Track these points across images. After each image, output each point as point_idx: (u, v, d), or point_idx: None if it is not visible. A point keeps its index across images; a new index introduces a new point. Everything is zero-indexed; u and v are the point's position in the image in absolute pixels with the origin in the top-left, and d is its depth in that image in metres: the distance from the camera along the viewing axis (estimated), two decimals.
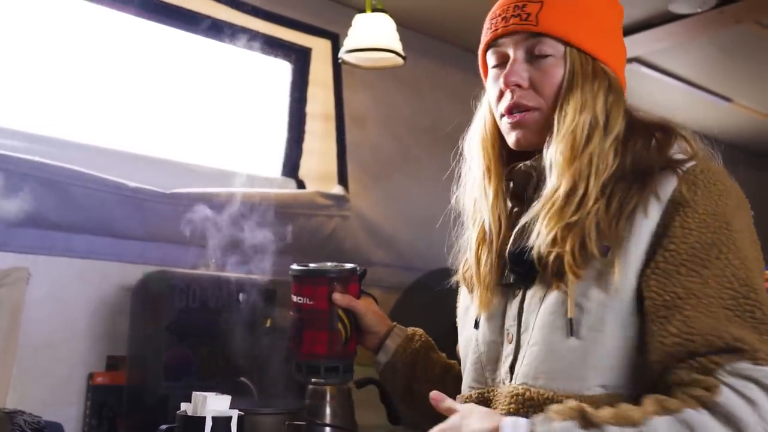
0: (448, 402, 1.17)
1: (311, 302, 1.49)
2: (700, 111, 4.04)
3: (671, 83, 3.59)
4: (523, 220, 1.23)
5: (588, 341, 1.13)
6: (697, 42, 3.20)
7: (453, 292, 1.55)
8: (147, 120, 2.51)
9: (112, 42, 2.44)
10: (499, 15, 1.27)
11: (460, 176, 1.38)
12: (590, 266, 1.14)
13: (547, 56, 1.23)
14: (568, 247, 1.14)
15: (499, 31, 1.26)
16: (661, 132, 1.24)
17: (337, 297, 1.49)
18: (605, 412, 1.04)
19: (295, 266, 1.54)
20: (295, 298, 1.51)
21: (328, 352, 1.50)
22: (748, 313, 1.06)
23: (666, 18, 2.94)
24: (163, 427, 1.35)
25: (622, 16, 1.34)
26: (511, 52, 1.26)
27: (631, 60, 3.32)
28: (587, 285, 1.14)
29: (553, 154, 1.20)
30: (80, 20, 2.40)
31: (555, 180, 1.19)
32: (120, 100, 2.45)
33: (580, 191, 1.16)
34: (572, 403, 1.06)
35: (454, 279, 1.45)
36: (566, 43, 1.23)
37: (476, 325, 1.32)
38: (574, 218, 1.15)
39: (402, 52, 2.42)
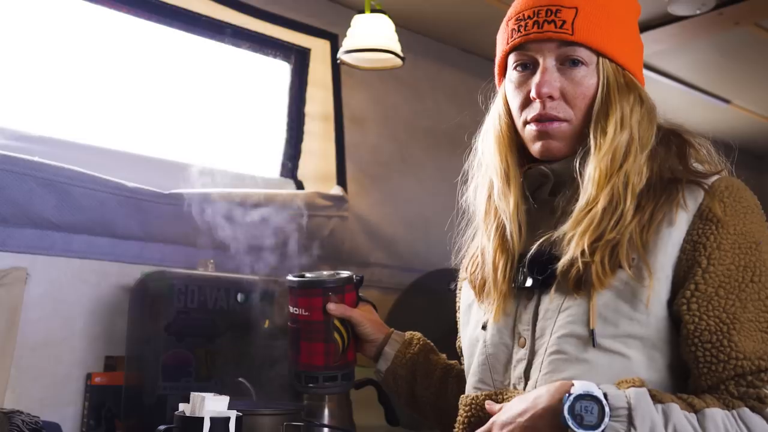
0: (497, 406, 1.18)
1: (307, 313, 1.48)
2: (698, 113, 4.04)
3: (670, 85, 3.59)
4: (556, 232, 1.21)
5: (611, 352, 1.13)
6: (696, 44, 3.20)
7: (452, 293, 1.54)
8: (146, 120, 2.51)
9: (111, 42, 2.45)
10: (529, 18, 1.22)
11: (467, 175, 1.36)
12: (616, 278, 1.14)
13: (579, 65, 1.21)
14: (597, 258, 1.13)
15: (531, 36, 1.22)
16: (677, 139, 1.24)
17: (332, 308, 1.48)
18: (671, 395, 1.07)
19: (290, 277, 1.53)
20: (291, 309, 1.51)
21: (325, 363, 1.48)
22: None
23: (665, 20, 2.95)
24: (162, 427, 1.35)
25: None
26: (541, 59, 1.22)
27: None
28: (611, 296, 1.14)
29: (591, 168, 1.18)
30: (79, 20, 2.40)
31: (592, 193, 1.17)
32: (119, 101, 2.45)
33: (619, 208, 1.16)
34: (640, 379, 1.08)
35: (461, 279, 1.44)
36: (599, 53, 1.21)
37: (484, 327, 1.29)
38: (612, 234, 1.14)
39: (401, 53, 2.42)
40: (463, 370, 1.44)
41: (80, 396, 2.14)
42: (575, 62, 1.21)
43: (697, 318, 1.10)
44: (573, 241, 1.16)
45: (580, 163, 1.20)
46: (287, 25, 2.81)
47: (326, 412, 2.02)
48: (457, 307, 1.50)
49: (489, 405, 1.19)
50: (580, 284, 1.15)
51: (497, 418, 1.13)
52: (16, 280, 2.00)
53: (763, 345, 1.08)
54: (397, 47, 2.42)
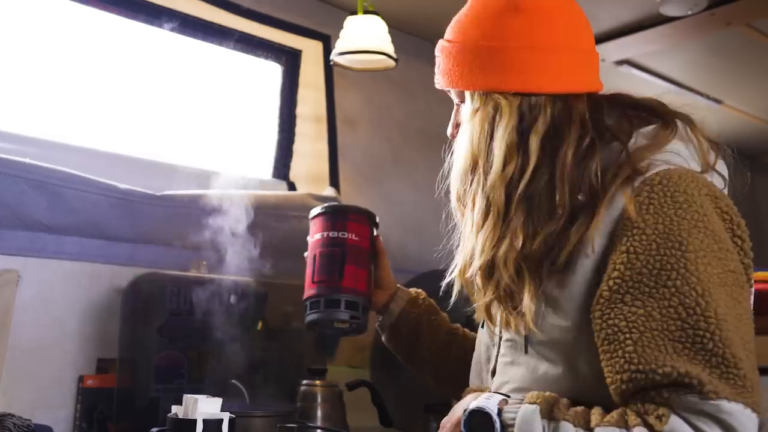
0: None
1: (357, 238, 1.48)
2: (690, 113, 4.05)
3: (662, 85, 3.60)
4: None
5: (542, 358, 1.15)
6: (688, 44, 3.21)
7: (446, 295, 1.54)
8: (137, 122, 2.50)
9: (102, 44, 2.44)
10: None
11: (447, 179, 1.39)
12: (550, 285, 1.14)
13: (460, 105, 1.31)
14: (496, 288, 1.17)
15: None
16: (657, 128, 1.19)
17: (380, 241, 1.52)
18: (573, 409, 1.05)
19: (329, 204, 1.55)
20: (334, 233, 1.48)
21: (367, 289, 1.50)
22: (698, 345, 0.99)
23: (657, 20, 2.96)
24: (154, 430, 1.34)
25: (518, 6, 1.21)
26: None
27: (621, 62, 3.34)
28: (542, 304, 1.14)
29: (452, 200, 1.27)
30: (70, 22, 2.39)
31: (459, 218, 1.27)
32: (110, 103, 2.44)
33: (479, 235, 1.18)
34: (549, 394, 1.07)
35: (458, 286, 1.38)
36: (458, 90, 1.28)
37: (482, 325, 1.36)
38: (483, 265, 1.17)
39: (394, 54, 2.42)
40: (466, 335, 1.57)
41: (72, 398, 2.13)
42: (457, 104, 1.32)
43: (598, 326, 1.06)
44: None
45: None
46: (279, 26, 2.81)
47: (320, 413, 2.02)
48: None
49: None
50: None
51: (444, 421, 1.19)
52: (7, 282, 1.99)
53: (665, 356, 0.99)
54: (389, 48, 2.42)
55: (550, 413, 1.03)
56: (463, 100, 1.28)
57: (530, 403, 1.05)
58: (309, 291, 1.47)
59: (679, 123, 1.21)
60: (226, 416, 1.32)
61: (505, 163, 1.15)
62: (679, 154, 1.16)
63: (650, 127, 1.20)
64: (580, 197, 1.14)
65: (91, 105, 2.40)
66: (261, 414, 1.64)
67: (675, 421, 0.97)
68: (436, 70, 1.32)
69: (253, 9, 2.70)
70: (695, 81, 3.68)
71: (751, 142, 4.68)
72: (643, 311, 1.02)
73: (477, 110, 1.21)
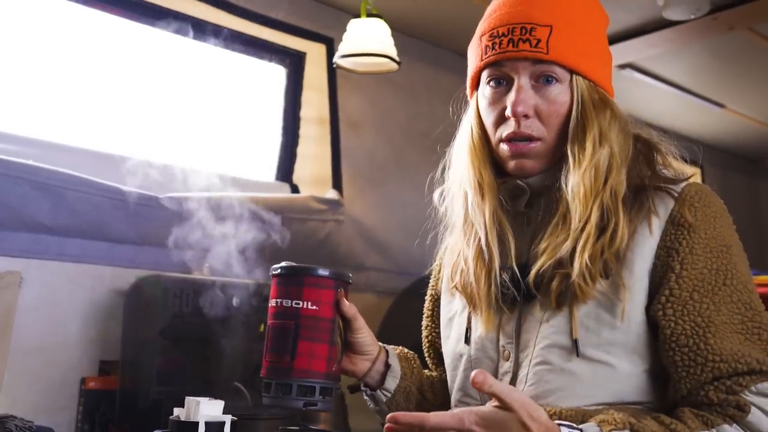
0: (497, 387, 0.99)
1: (314, 308, 1.25)
2: (692, 117, 4.05)
3: (664, 89, 3.60)
4: (538, 247, 1.20)
5: (594, 361, 1.14)
6: (691, 48, 3.22)
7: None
8: (141, 124, 2.50)
9: (106, 46, 2.44)
10: (504, 35, 1.21)
11: (441, 187, 1.36)
12: (595, 288, 1.14)
13: (553, 83, 1.21)
14: (578, 271, 1.14)
15: (507, 54, 1.21)
16: (643, 146, 1.25)
17: (346, 306, 1.25)
18: (651, 423, 1.05)
19: (286, 264, 1.29)
20: (288, 302, 1.25)
21: (327, 369, 1.25)
22: (756, 335, 1.11)
23: (660, 24, 2.96)
24: None
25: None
26: (516, 76, 1.21)
27: (624, 65, 3.34)
28: (592, 306, 1.14)
29: (574, 185, 1.18)
30: (74, 24, 2.39)
31: (581, 211, 1.17)
32: (114, 104, 2.44)
33: (612, 223, 1.16)
34: (618, 414, 1.06)
35: (450, 288, 1.36)
36: (573, 71, 1.21)
37: (467, 341, 1.28)
38: (613, 248, 1.15)
39: (397, 57, 2.42)
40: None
41: (74, 400, 2.13)
42: (549, 80, 1.20)
43: (673, 323, 1.11)
44: (560, 255, 1.16)
45: (560, 180, 1.21)
46: (283, 29, 2.81)
47: (321, 416, 2.02)
48: (427, 313, 1.49)
49: (482, 375, 0.99)
50: (561, 296, 1.16)
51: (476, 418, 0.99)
52: (9, 284, 2.00)
53: (739, 346, 1.09)
54: (392, 51, 2.42)
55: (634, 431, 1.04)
56: (560, 80, 1.21)
57: (617, 430, 1.03)
58: (263, 369, 1.28)
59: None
60: (228, 419, 1.32)
61: (627, 159, 1.22)
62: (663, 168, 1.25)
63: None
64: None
65: (94, 107, 2.41)
66: (263, 417, 1.64)
67: (755, 411, 1.06)
68: (537, 39, 1.20)
69: (257, 12, 2.71)
70: (698, 85, 3.68)
71: (753, 145, 4.68)
72: (714, 308, 1.11)
73: (603, 104, 1.22)
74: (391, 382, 1.33)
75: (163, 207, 2.27)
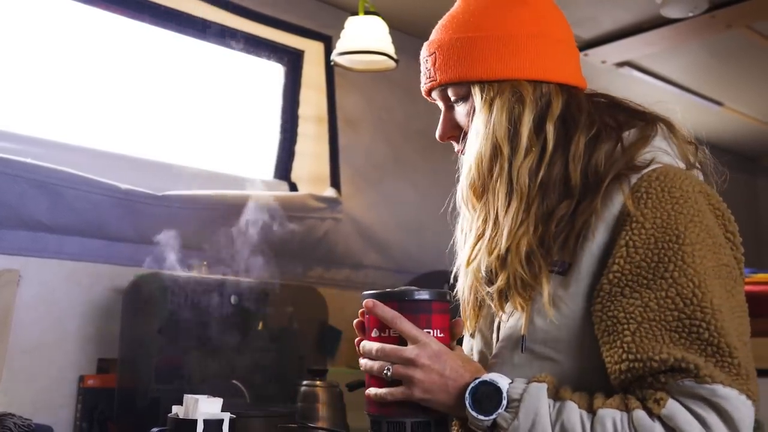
0: (405, 325, 1.16)
1: (443, 335, 1.17)
2: (690, 115, 4.03)
3: (662, 87, 3.60)
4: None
5: (540, 357, 1.15)
6: (689, 46, 3.22)
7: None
8: (139, 122, 2.50)
9: (104, 44, 2.44)
10: (422, 71, 1.32)
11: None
12: (549, 284, 1.15)
13: (458, 102, 1.27)
14: (510, 275, 1.16)
15: (423, 89, 1.32)
16: (640, 127, 1.22)
17: (460, 327, 1.25)
18: (577, 392, 1.08)
19: (402, 288, 1.20)
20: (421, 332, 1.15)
21: None
22: (694, 334, 1.03)
23: (657, 22, 2.96)
24: (155, 430, 1.35)
25: (524, 9, 1.25)
26: (439, 104, 1.32)
27: (622, 63, 3.34)
28: (542, 303, 1.15)
29: (464, 192, 1.24)
30: (73, 22, 2.39)
31: (469, 214, 1.23)
32: (112, 102, 2.44)
33: (501, 222, 1.17)
34: (547, 376, 1.10)
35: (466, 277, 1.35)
36: (465, 82, 1.24)
37: (472, 335, 1.33)
38: (503, 251, 1.17)
39: (394, 55, 2.42)
40: None
41: (73, 398, 2.13)
42: (455, 101, 1.28)
43: (598, 319, 1.09)
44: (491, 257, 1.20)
45: None
46: (281, 27, 2.81)
47: (320, 413, 2.03)
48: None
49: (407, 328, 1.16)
50: (506, 298, 1.20)
51: (420, 353, 1.13)
52: (8, 282, 2.00)
53: (662, 345, 1.03)
54: (390, 49, 2.42)
55: (555, 393, 1.07)
56: (462, 97, 1.26)
57: (537, 381, 1.08)
58: (371, 405, 1.18)
59: (659, 124, 1.24)
60: (226, 416, 1.32)
61: (528, 150, 1.19)
62: (666, 152, 1.20)
63: (634, 129, 1.23)
64: (583, 184, 1.18)
65: (92, 105, 2.41)
66: (261, 414, 1.64)
67: (672, 404, 1.01)
68: (430, 69, 1.28)
69: (255, 10, 2.71)
70: (696, 83, 3.68)
71: (751, 144, 4.68)
72: (641, 302, 1.06)
73: (493, 99, 1.22)
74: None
75: (162, 205, 2.27)
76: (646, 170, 1.13)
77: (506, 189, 1.18)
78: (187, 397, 1.34)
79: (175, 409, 1.35)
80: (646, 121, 1.23)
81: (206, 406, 1.32)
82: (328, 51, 2.84)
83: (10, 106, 2.25)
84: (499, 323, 1.25)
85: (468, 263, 1.22)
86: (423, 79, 1.31)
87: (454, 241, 1.34)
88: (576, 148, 1.18)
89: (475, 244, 1.21)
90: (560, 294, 1.14)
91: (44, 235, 2.11)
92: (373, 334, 1.18)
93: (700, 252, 1.07)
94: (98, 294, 2.21)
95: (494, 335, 1.26)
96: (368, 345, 1.18)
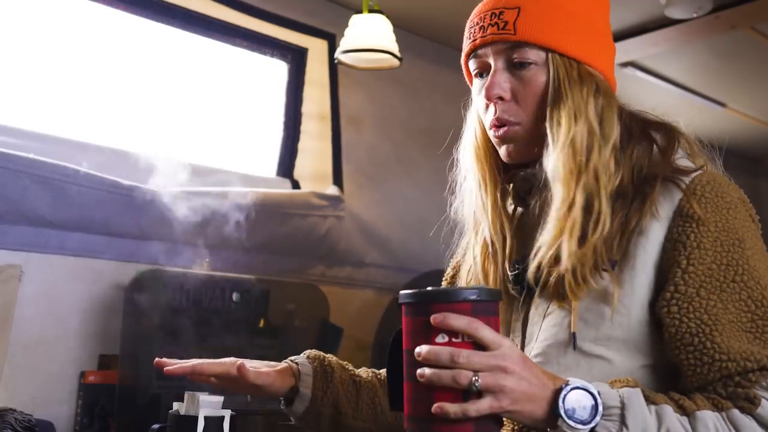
0: (485, 331, 0.95)
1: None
2: (694, 115, 4.04)
3: (666, 87, 3.60)
4: (537, 239, 1.17)
5: (592, 355, 1.13)
6: (692, 47, 3.21)
7: None
8: (143, 118, 2.50)
9: (108, 40, 2.44)
10: (477, 23, 1.23)
11: (455, 187, 1.34)
12: (597, 282, 1.13)
13: (528, 65, 1.19)
14: (570, 266, 1.12)
15: (477, 41, 1.22)
16: (663, 135, 1.21)
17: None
18: (658, 394, 1.05)
19: (442, 288, 1.13)
20: (454, 338, 0.97)
21: None
22: (767, 333, 1.07)
23: (661, 23, 2.96)
24: (155, 426, 1.35)
25: (608, 10, 1.28)
26: (491, 61, 1.22)
27: (626, 64, 3.34)
28: (592, 300, 1.13)
29: (555, 166, 1.15)
30: (76, 17, 2.39)
31: (563, 194, 1.14)
32: (115, 98, 2.44)
33: (596, 207, 1.13)
34: (629, 378, 1.06)
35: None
36: (548, 50, 1.19)
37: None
38: (595, 236, 1.12)
39: (398, 53, 2.42)
40: (378, 378, 1.41)
41: (74, 394, 2.14)
42: (523, 64, 1.19)
43: (678, 320, 1.08)
44: (556, 247, 1.13)
45: (543, 163, 1.18)
46: (285, 25, 2.81)
47: None
48: None
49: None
50: (558, 291, 1.15)
51: (510, 360, 0.97)
52: (10, 277, 2.00)
53: (747, 345, 1.05)
54: (394, 47, 2.42)
55: (648, 397, 1.03)
56: (534, 62, 1.19)
57: (627, 386, 1.02)
58: (408, 420, 1.01)
59: (677, 131, 1.24)
60: (227, 413, 1.32)
61: (614, 142, 1.17)
62: (686, 157, 1.21)
63: (658, 134, 1.23)
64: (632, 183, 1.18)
65: (96, 101, 2.41)
66: (262, 411, 1.64)
67: (765, 403, 1.03)
68: (506, 21, 1.19)
69: (259, 7, 2.71)
70: (699, 84, 3.68)
71: (754, 145, 4.67)
72: (721, 305, 1.07)
73: (582, 81, 1.18)
74: (299, 406, 1.36)
75: (164, 201, 2.27)
76: (694, 174, 1.15)
77: (601, 174, 1.15)
78: (188, 394, 1.34)
79: (175, 405, 1.35)
80: (665, 129, 1.23)
81: (207, 403, 1.32)
82: (332, 49, 2.84)
83: (12, 102, 2.25)
84: (525, 322, 1.21)
85: (549, 248, 1.14)
86: (483, 30, 1.21)
87: (460, 233, 1.32)
88: (633, 145, 1.19)
89: (561, 230, 1.13)
90: (612, 291, 1.12)
91: (46, 231, 2.11)
92: (439, 339, 0.97)
93: (757, 256, 1.12)
94: (100, 290, 2.21)
95: (517, 334, 1.22)
96: (438, 351, 0.95)
